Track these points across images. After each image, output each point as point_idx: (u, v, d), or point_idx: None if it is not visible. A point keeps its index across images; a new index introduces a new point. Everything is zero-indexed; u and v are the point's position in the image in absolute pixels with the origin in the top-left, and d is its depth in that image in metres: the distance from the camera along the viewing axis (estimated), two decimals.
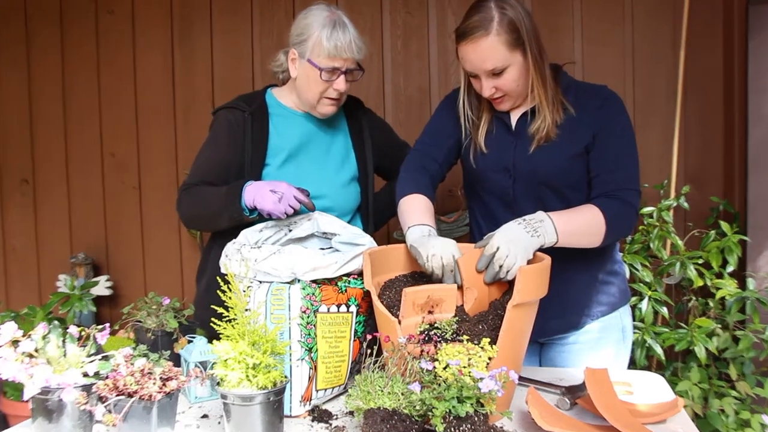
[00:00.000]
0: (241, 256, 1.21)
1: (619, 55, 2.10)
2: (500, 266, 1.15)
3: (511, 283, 1.24)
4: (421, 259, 1.20)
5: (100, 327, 1.14)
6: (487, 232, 1.38)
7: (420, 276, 1.30)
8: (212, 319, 1.10)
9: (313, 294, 1.21)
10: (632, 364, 1.75)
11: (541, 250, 1.22)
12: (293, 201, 1.35)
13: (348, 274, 1.27)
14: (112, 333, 1.41)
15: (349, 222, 1.54)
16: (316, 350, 1.20)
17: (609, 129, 1.27)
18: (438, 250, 1.18)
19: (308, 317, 1.20)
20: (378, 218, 1.62)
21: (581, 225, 1.22)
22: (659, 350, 1.82)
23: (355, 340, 1.26)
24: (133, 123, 2.39)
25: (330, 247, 1.37)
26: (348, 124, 1.57)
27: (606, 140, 1.27)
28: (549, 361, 1.45)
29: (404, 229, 1.31)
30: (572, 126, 1.31)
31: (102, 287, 2.38)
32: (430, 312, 1.19)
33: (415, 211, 1.31)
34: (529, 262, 1.20)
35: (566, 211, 1.25)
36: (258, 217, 1.39)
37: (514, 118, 1.36)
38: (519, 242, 1.16)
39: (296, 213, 1.39)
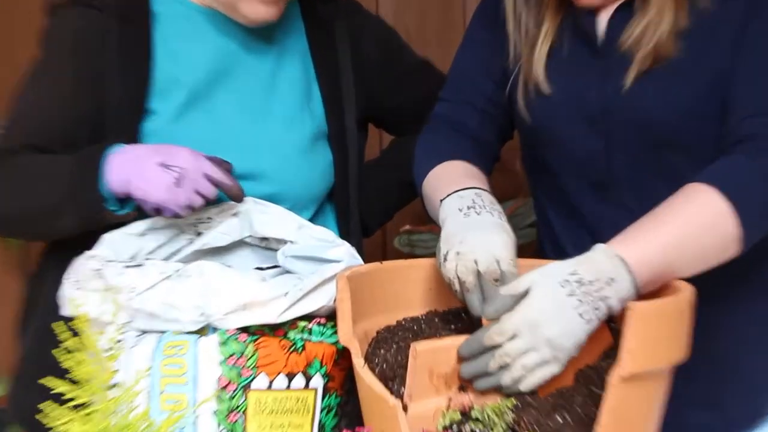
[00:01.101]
0: (104, 284, 1.17)
1: None
2: (506, 365, 1.06)
3: (615, 336, 1.14)
4: (438, 259, 1.16)
5: None
6: (565, 239, 1.37)
7: (453, 318, 1.24)
8: (40, 405, 1.02)
9: (243, 354, 1.15)
10: None
11: None
12: (203, 184, 1.24)
13: (309, 317, 1.19)
14: None
15: (311, 220, 1.43)
16: None
17: (761, 32, 1.21)
18: (470, 246, 1.15)
19: (232, 399, 1.15)
20: (370, 211, 1.57)
21: (680, 241, 1.13)
22: None
23: None
24: None
25: (275, 266, 1.31)
26: (309, 36, 1.48)
27: (753, 52, 1.21)
28: None
29: (435, 211, 1.27)
30: (705, 34, 1.22)
31: None
32: (462, 388, 1.09)
33: (451, 178, 1.29)
34: (641, 296, 1.09)
35: (643, 225, 1.15)
36: (135, 213, 1.29)
37: (602, 21, 1.27)
38: (554, 331, 1.07)
39: (209, 204, 1.27)
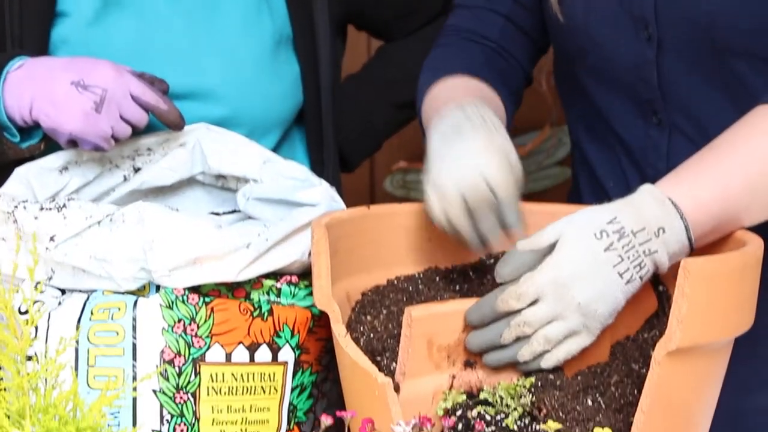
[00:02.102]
0: (16, 229, 1.19)
1: None
2: (524, 336, 1.08)
3: (661, 301, 1.18)
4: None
5: None
6: (606, 178, 1.37)
7: (458, 277, 1.26)
8: None
9: (194, 320, 1.17)
10: None
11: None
12: (130, 107, 1.26)
13: (277, 275, 1.21)
14: None
15: (275, 150, 1.45)
16: None
17: None
18: (452, 173, 1.19)
19: (180, 376, 1.17)
20: (350, 139, 1.58)
21: (748, 181, 1.15)
22: None
23: (290, 430, 1.23)
24: None
25: (234, 211, 1.32)
26: None
27: None
28: None
29: (427, 134, 1.28)
30: None
31: None
32: (468, 364, 1.10)
33: (451, 96, 1.30)
34: (697, 249, 1.11)
35: (701, 161, 1.16)
36: (43, 146, 1.30)
37: None
38: (587, 294, 1.08)
39: (143, 133, 1.31)
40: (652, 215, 1.11)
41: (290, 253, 1.20)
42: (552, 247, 1.10)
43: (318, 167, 1.48)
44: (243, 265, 1.17)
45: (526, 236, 1.15)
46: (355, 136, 1.59)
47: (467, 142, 1.21)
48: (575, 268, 1.09)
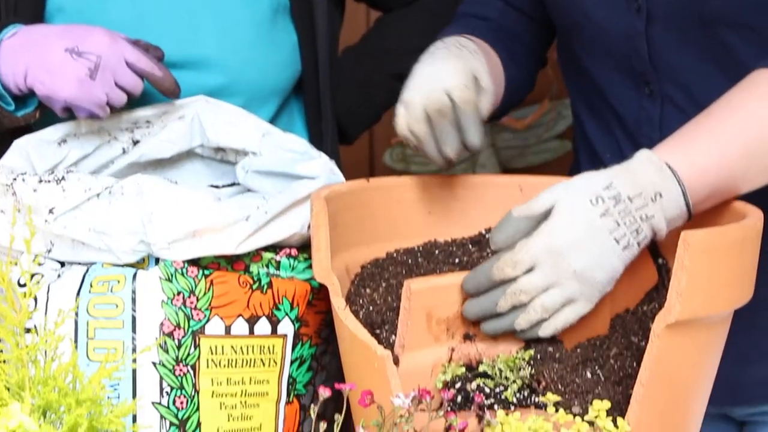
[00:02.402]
0: (16, 201, 1.20)
1: None
2: (520, 305, 1.09)
3: (661, 274, 1.18)
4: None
5: None
6: (603, 150, 1.36)
7: (458, 250, 1.26)
8: None
9: (193, 293, 1.17)
10: None
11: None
12: (125, 74, 1.26)
13: (276, 248, 1.22)
14: None
15: (272, 120, 1.45)
16: (198, 427, 1.19)
17: None
18: (415, 88, 1.21)
19: (180, 348, 1.17)
20: (349, 111, 1.59)
21: (745, 146, 1.15)
22: None
23: (290, 403, 1.23)
24: None
25: (233, 183, 1.33)
26: None
27: None
28: None
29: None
30: None
31: None
32: (468, 337, 1.11)
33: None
34: (695, 222, 1.11)
35: (697, 126, 1.16)
36: (39, 114, 1.30)
37: None
38: (583, 261, 1.08)
39: (140, 103, 1.34)
40: (648, 180, 1.11)
41: (289, 226, 1.19)
42: (547, 214, 1.10)
43: (316, 139, 1.48)
44: (242, 238, 1.17)
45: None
46: (354, 108, 1.59)
47: (438, 63, 1.23)
48: (570, 235, 1.09)
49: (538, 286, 1.09)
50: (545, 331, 1.10)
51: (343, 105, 1.56)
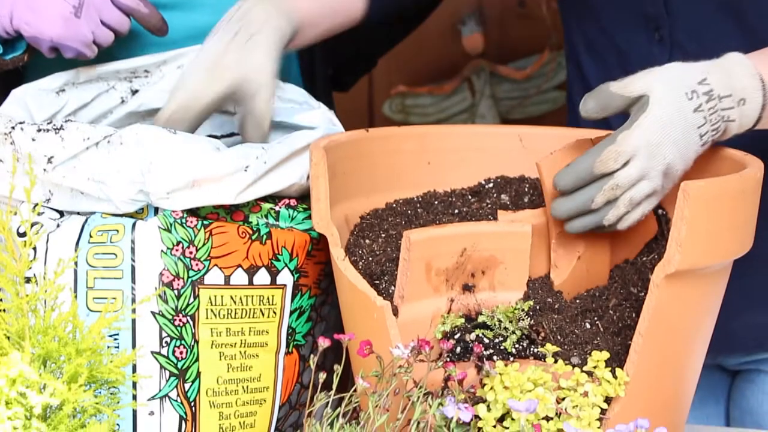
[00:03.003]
0: (15, 150, 1.20)
1: None
2: (613, 199, 1.10)
3: (660, 224, 1.19)
4: None
5: None
6: None
7: (458, 200, 1.26)
8: None
9: (192, 243, 1.18)
10: None
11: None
12: (110, 11, 1.28)
13: (275, 198, 1.23)
14: None
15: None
16: (198, 377, 1.18)
17: None
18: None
19: (179, 298, 1.18)
20: (344, 61, 1.57)
21: None
22: None
23: (289, 353, 1.23)
24: None
25: (232, 134, 1.34)
26: None
27: None
28: (748, 411, 1.45)
29: None
30: None
31: None
32: (467, 287, 1.12)
33: None
34: (695, 173, 1.12)
35: None
36: (28, 57, 1.30)
37: None
38: (672, 155, 1.10)
39: (130, 45, 1.34)
40: (740, 84, 1.11)
41: (289, 176, 1.20)
42: (641, 101, 1.10)
43: (309, 83, 1.46)
44: (241, 188, 1.17)
45: None
46: (347, 58, 1.56)
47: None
48: (668, 129, 1.09)
49: (633, 179, 1.09)
50: (625, 224, 1.11)
51: (336, 52, 1.53)
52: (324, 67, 1.54)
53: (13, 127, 1.21)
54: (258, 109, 1.22)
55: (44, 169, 1.17)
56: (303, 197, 1.22)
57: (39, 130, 1.20)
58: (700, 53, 1.21)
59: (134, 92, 1.34)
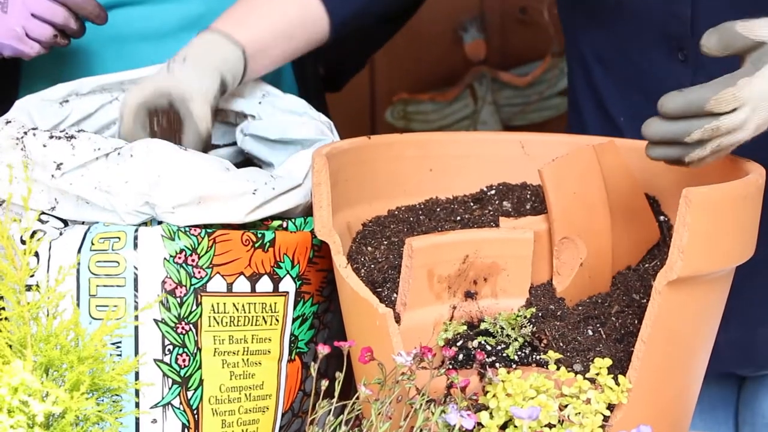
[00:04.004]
0: (25, 156, 1.19)
1: None
2: (706, 140, 1.08)
3: (663, 231, 1.19)
4: None
5: None
6: (618, 108, 1.37)
7: (460, 208, 1.26)
8: None
9: (195, 250, 1.17)
10: None
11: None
12: (41, 3, 1.26)
13: (282, 217, 1.24)
14: None
15: None
16: (200, 385, 1.18)
17: None
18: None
19: (182, 306, 1.17)
20: (335, 59, 1.57)
21: None
22: None
23: (292, 361, 1.23)
24: None
25: (234, 143, 1.35)
26: None
27: None
28: (761, 413, 1.44)
29: None
30: None
31: None
32: (469, 294, 1.11)
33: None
34: (697, 179, 1.12)
35: None
36: None
37: None
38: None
39: (118, 40, 1.35)
40: None
41: (294, 199, 1.20)
42: (760, 46, 1.09)
43: (301, 82, 1.46)
44: (249, 209, 1.18)
45: None
46: (336, 57, 1.56)
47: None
48: None
49: (732, 127, 1.08)
50: (700, 165, 1.10)
51: (326, 52, 1.51)
52: (315, 66, 1.53)
53: (25, 133, 1.21)
54: (195, 113, 1.23)
55: (52, 175, 1.17)
56: (306, 209, 1.21)
57: (51, 137, 1.20)
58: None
59: None
